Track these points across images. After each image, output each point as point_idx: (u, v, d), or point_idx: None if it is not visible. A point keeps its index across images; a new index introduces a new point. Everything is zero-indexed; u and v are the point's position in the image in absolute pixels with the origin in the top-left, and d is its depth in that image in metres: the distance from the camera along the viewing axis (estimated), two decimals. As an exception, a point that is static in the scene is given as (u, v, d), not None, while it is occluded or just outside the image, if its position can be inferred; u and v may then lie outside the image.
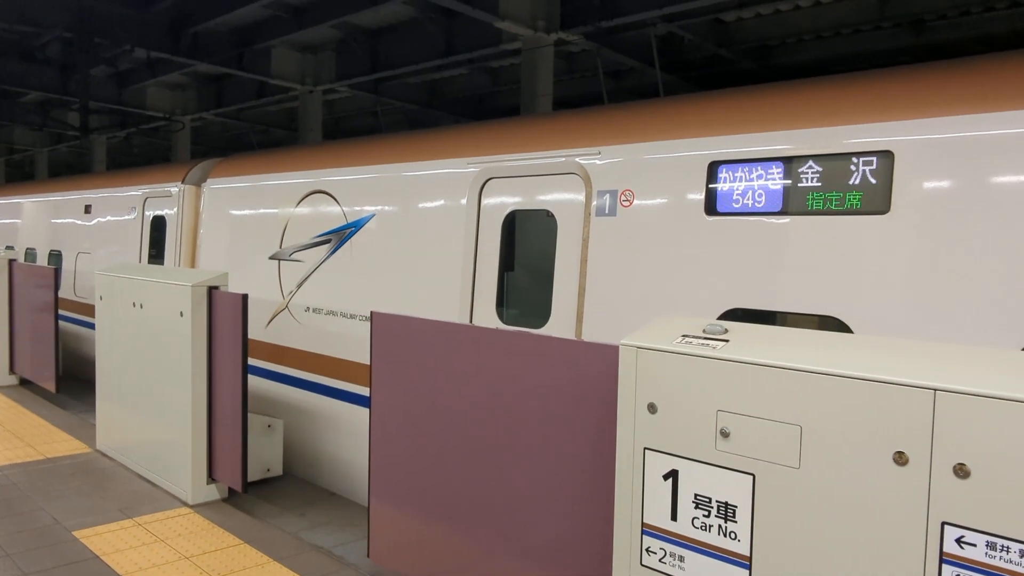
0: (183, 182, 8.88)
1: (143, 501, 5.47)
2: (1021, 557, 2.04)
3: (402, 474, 4.12)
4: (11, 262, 9.35)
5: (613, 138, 4.83)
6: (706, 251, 4.25)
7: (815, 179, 3.88)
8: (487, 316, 5.38)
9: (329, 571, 4.44)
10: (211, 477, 5.57)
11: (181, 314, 5.50)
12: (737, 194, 4.15)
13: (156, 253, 9.39)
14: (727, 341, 2.68)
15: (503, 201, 5.40)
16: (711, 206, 4.26)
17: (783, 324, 3.98)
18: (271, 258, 7.39)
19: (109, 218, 10.72)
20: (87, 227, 11.31)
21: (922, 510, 2.19)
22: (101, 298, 6.59)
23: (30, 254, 13.07)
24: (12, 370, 9.38)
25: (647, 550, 2.81)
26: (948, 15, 10.24)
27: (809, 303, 3.86)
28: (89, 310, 10.27)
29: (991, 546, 2.08)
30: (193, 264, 8.66)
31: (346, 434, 6.48)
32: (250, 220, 7.82)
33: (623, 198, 4.67)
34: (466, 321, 5.46)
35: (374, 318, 4.23)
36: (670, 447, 2.73)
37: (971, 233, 3.41)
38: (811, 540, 2.41)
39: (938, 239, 3.50)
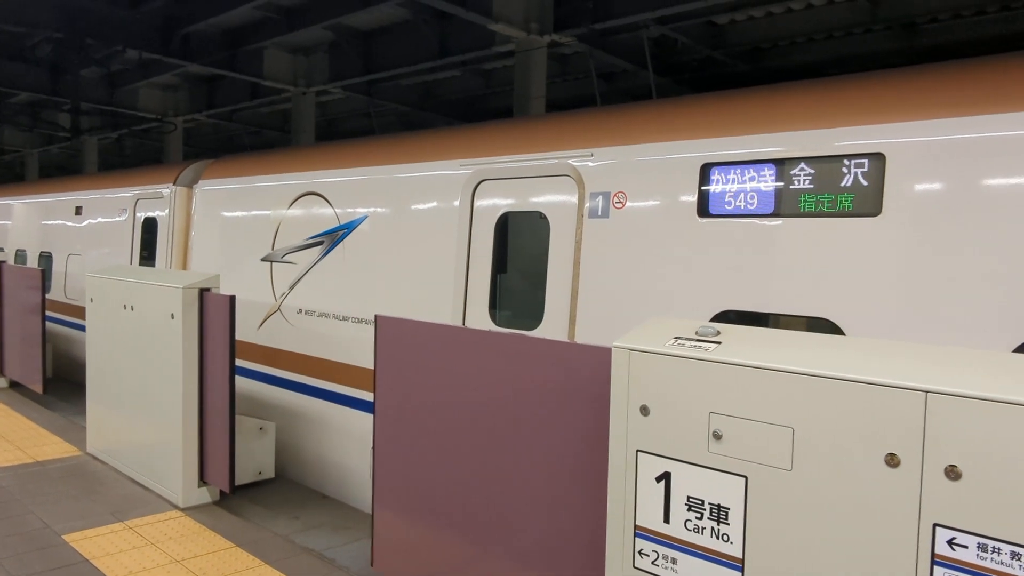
0: (175, 183, 8.84)
1: (134, 504, 5.44)
2: (1012, 559, 2.04)
3: (405, 481, 4.07)
4: (0, 264, 9.31)
5: (606, 140, 4.83)
6: (698, 253, 4.25)
7: (807, 181, 3.89)
8: (480, 318, 5.37)
9: (321, 574, 4.42)
10: (202, 480, 5.55)
11: (172, 316, 5.47)
12: (729, 196, 4.15)
13: (147, 255, 9.34)
14: (719, 343, 2.68)
15: (496, 203, 5.39)
16: (703, 208, 4.26)
17: (775, 326, 3.98)
18: (263, 260, 7.37)
19: (100, 220, 10.66)
20: (78, 229, 11.25)
21: (914, 512, 2.19)
22: (92, 300, 6.55)
23: (20, 256, 13.00)
24: (2, 372, 9.32)
25: (640, 552, 2.80)
26: (940, 18, 10.28)
27: (801, 305, 3.87)
28: (80, 312, 10.22)
29: (982, 548, 2.09)
30: (185, 266, 8.63)
31: (339, 437, 6.46)
32: (242, 222, 7.79)
33: (616, 200, 4.67)
34: (459, 323, 5.45)
35: (379, 321, 4.14)
36: (663, 449, 2.72)
37: (963, 235, 3.42)
38: (803, 542, 2.41)
39: (930, 241, 3.51)
